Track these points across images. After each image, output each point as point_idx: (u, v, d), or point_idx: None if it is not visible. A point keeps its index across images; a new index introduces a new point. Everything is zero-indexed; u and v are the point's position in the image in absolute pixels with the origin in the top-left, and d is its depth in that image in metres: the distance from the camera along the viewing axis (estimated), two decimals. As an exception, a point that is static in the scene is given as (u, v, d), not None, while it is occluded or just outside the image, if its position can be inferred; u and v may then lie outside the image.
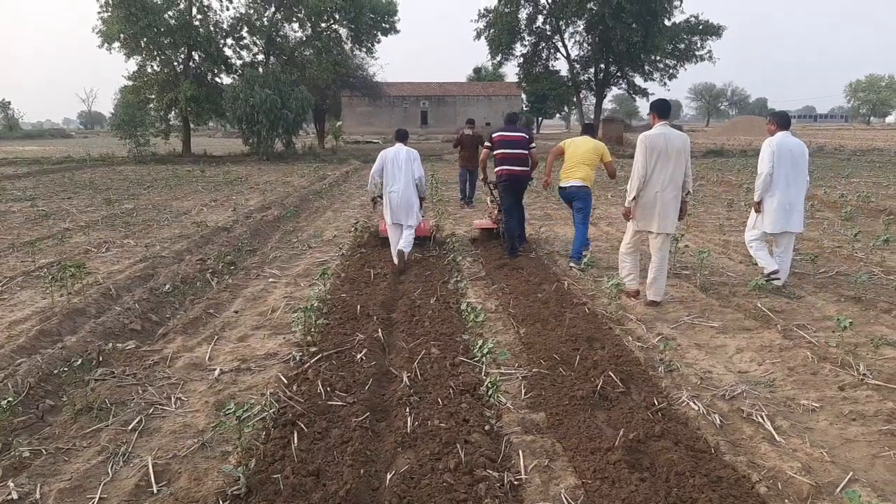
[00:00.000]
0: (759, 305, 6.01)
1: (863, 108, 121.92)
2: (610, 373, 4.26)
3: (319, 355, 4.75)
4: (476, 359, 4.55)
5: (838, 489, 3.10)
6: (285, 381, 4.33)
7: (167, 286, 6.71)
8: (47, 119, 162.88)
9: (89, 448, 3.58)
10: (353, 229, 9.82)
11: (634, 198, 6.11)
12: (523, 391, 4.22)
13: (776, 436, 3.61)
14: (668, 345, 4.80)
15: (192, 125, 33.85)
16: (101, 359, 4.81)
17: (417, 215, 8.02)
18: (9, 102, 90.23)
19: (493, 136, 8.47)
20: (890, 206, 12.12)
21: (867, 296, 6.32)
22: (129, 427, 3.81)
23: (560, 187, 8.09)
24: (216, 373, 4.58)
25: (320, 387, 4.15)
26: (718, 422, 3.76)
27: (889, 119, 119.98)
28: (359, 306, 5.91)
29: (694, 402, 3.98)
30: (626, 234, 6.51)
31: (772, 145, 6.63)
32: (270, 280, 7.35)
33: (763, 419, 3.79)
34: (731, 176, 19.39)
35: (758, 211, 6.86)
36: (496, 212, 9.05)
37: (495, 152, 8.33)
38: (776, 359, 4.81)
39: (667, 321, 5.75)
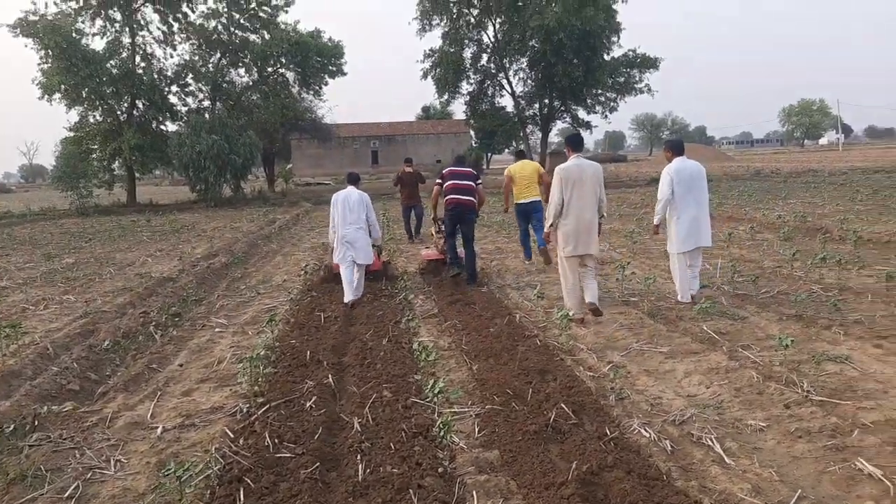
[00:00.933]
0: (706, 328, 6.13)
1: (797, 132, 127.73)
2: (562, 405, 4.25)
3: (267, 406, 4.62)
4: (429, 399, 4.50)
5: (788, 509, 3.13)
6: (231, 436, 4.18)
7: (107, 342, 6.48)
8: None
9: (21, 520, 3.38)
10: (302, 272, 9.69)
11: (552, 224, 6.72)
12: (477, 429, 4.18)
13: (726, 458, 3.64)
14: (618, 373, 4.83)
15: (137, 174, 33.24)
16: (36, 423, 4.57)
17: (370, 253, 8.37)
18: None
19: (444, 171, 9.18)
20: (826, 224, 12.60)
21: (807, 313, 6.51)
22: (66, 495, 3.62)
23: (518, 203, 9.87)
24: (158, 431, 4.41)
25: (268, 439, 4.02)
26: (669, 448, 3.78)
27: (822, 141, 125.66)
28: (308, 352, 5.80)
29: (645, 430, 4.00)
30: (561, 269, 6.91)
31: (669, 172, 7.09)
32: (217, 330, 7.17)
33: (713, 442, 3.82)
34: (676, 202, 19.88)
35: (656, 233, 7.52)
36: (442, 242, 9.47)
37: (445, 184, 8.89)
38: (723, 380, 4.89)
39: (616, 349, 5.80)
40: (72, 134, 31.27)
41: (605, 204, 6.74)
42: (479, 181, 9.06)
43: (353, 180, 8.69)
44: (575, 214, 6.54)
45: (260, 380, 5.07)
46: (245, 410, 4.62)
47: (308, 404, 4.61)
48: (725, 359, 5.31)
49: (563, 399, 4.38)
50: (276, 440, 4.03)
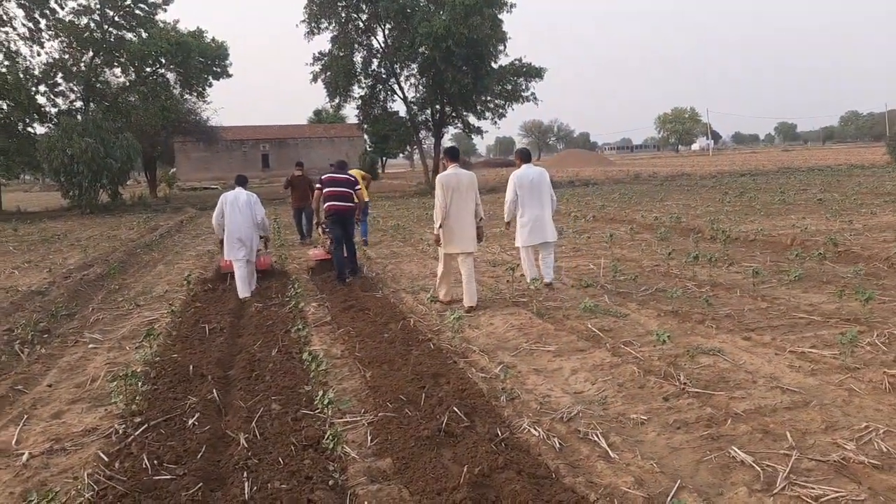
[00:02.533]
0: (590, 326, 6.37)
1: (671, 138, 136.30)
2: (454, 408, 4.27)
3: (145, 426, 4.34)
4: (319, 410, 4.39)
5: (668, 499, 3.28)
6: (105, 459, 3.89)
7: (-38, 364, 5.88)
8: None
9: None
10: (185, 282, 9.23)
11: (440, 226, 7.38)
12: (369, 438, 4.12)
13: (610, 452, 3.78)
14: (508, 373, 4.92)
15: (2, 180, 30.56)
16: None
17: (255, 250, 8.97)
18: None
19: (323, 177, 9.59)
20: (698, 225, 13.49)
21: (683, 309, 6.92)
22: None
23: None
24: (24, 457, 4.03)
25: (146, 461, 3.78)
26: (558, 445, 3.88)
27: (694, 146, 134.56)
28: (191, 366, 5.51)
29: (535, 429, 4.09)
30: (440, 262, 7.75)
31: (513, 177, 8.05)
32: (91, 346, 6.68)
33: (598, 437, 3.96)
34: (561, 205, 20.65)
35: (507, 229, 8.43)
36: (329, 243, 9.93)
37: (325, 190, 9.40)
38: (607, 376, 5.09)
39: (507, 349, 5.91)
40: (-80, 136, 28.33)
41: (481, 208, 7.58)
42: (358, 186, 9.74)
43: (242, 182, 9.25)
44: (454, 216, 7.34)
45: (137, 398, 4.76)
46: (121, 431, 4.32)
47: (190, 422, 4.38)
48: (609, 355, 5.54)
49: (456, 402, 4.41)
50: (156, 462, 3.79)
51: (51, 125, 29.77)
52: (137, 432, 4.25)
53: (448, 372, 5.17)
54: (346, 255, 9.52)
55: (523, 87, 37.99)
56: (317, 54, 36.89)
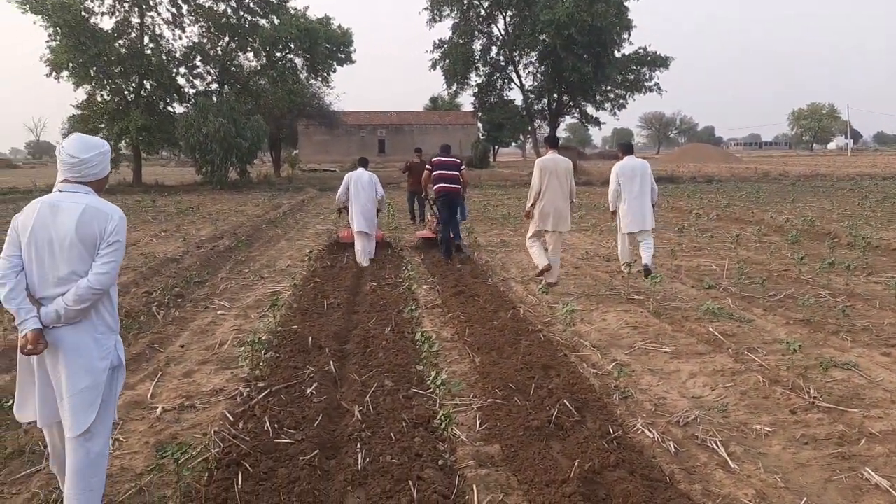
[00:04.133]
0: (712, 330, 6.07)
1: (805, 136, 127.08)
2: (565, 401, 4.20)
3: (268, 391, 4.58)
4: (430, 390, 4.46)
5: (792, 515, 3.08)
6: (231, 419, 4.15)
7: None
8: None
9: (19, 495, 3.36)
10: (306, 258, 9.65)
11: (533, 205, 8.10)
12: (478, 422, 4.14)
13: (730, 462, 3.59)
14: (622, 371, 4.77)
15: (143, 155, 33.19)
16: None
17: (375, 224, 10.14)
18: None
19: (433, 160, 10.32)
20: (834, 229, 12.52)
21: (815, 318, 6.45)
22: (62, 472, 3.58)
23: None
24: (158, 411, 4.37)
25: (267, 424, 3.99)
26: (673, 449, 3.73)
27: (830, 146, 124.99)
28: (310, 338, 5.76)
29: (649, 430, 3.95)
30: (530, 230, 8.36)
31: (616, 168, 8.53)
32: (219, 312, 7.13)
33: (717, 445, 3.77)
34: (682, 202, 19.82)
35: (613, 219, 8.96)
36: (435, 223, 10.82)
37: (434, 173, 10.10)
38: (728, 383, 4.84)
39: (621, 347, 5.75)
40: (79, 112, 31.15)
41: (574, 192, 8.24)
42: (463, 167, 10.41)
43: (364, 163, 10.66)
44: (550, 198, 8.01)
45: (261, 364, 5.04)
46: (245, 394, 4.59)
47: (309, 391, 4.57)
48: (731, 361, 5.26)
49: (566, 395, 4.33)
50: (276, 425, 3.99)
51: (188, 105, 31.91)
52: (260, 396, 4.49)
53: (558, 364, 5.10)
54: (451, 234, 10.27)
55: (647, 76, 36.72)
56: (437, 42, 37.36)
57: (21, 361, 2.96)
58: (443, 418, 3.75)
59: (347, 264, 9.83)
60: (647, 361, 5.37)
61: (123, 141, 31.38)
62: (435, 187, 10.12)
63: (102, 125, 30.74)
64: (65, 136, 32.46)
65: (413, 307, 6.78)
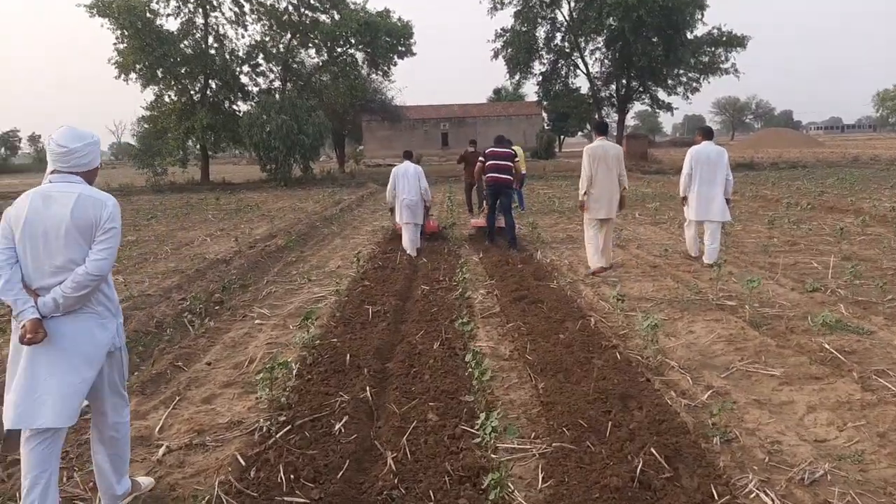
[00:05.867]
0: (827, 346, 5.01)
1: (892, 118, 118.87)
2: (652, 449, 3.32)
3: (290, 426, 3.86)
4: (482, 430, 3.64)
5: None
6: (242, 464, 3.45)
7: (137, 333, 5.91)
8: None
9: None
10: (355, 260, 8.97)
11: (585, 193, 7.92)
12: (541, 476, 3.30)
13: (887, 547, 2.64)
14: (723, 406, 3.81)
15: (210, 153, 33.60)
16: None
17: (422, 214, 10.17)
18: (39, 136, 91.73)
19: (486, 151, 10.49)
20: (950, 219, 10.97)
21: (954, 330, 5.29)
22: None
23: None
24: (160, 452, 3.72)
25: (282, 474, 3.27)
26: (803, 524, 2.81)
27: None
28: (349, 355, 5.04)
29: (766, 493, 3.03)
30: (586, 226, 8.17)
31: (691, 152, 8.31)
32: (257, 322, 6.51)
33: (863, 518, 2.82)
34: (766, 190, 18.25)
35: (683, 203, 8.64)
36: (487, 211, 10.74)
37: (487, 163, 10.27)
38: (859, 419, 3.83)
39: (715, 368, 4.78)
40: (148, 113, 31.77)
41: (625, 178, 8.04)
42: (517, 158, 10.59)
43: (408, 156, 10.59)
44: (600, 185, 7.86)
45: (287, 390, 4.35)
46: (265, 429, 3.89)
47: (338, 426, 3.83)
48: (858, 389, 4.23)
49: (653, 439, 3.44)
50: (292, 475, 3.27)
51: (252, 103, 32.04)
52: (280, 433, 3.78)
53: (640, 394, 4.19)
54: (503, 225, 10.39)
55: (722, 58, 34.62)
56: (499, 30, 36.38)
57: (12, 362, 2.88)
58: (493, 482, 2.93)
59: (400, 264, 9.11)
60: (750, 388, 4.39)
61: (190, 140, 31.83)
62: (486, 176, 10.35)
63: (171, 125, 31.22)
64: (133, 135, 33.32)
65: (466, 319, 5.96)
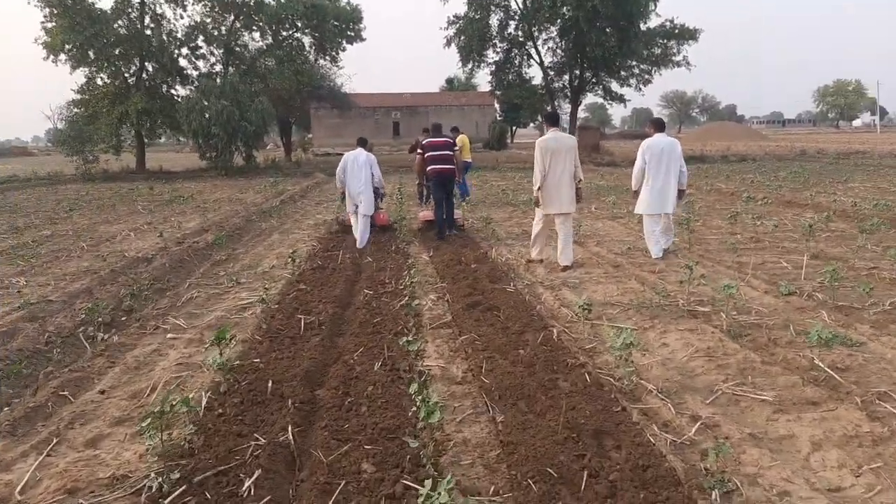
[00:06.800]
0: (818, 363, 4.44)
1: (831, 113, 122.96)
2: (641, 514, 2.64)
3: (184, 486, 3.05)
4: (428, 487, 2.90)
5: None
6: (114, 544, 2.63)
7: (22, 352, 4.96)
8: (16, 137, 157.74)
9: None
10: (290, 260, 8.07)
11: (539, 187, 7.66)
12: (503, 554, 2.58)
13: None
14: (720, 451, 3.15)
15: (146, 140, 31.82)
16: None
17: (372, 205, 9.68)
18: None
19: (424, 143, 10.36)
20: (910, 214, 10.74)
21: (948, 341, 4.80)
22: None
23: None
24: (11, 525, 2.87)
25: (162, 563, 2.47)
26: None
27: (856, 123, 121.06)
28: (271, 382, 4.23)
29: (788, 576, 2.38)
30: (535, 218, 8.04)
31: (644, 145, 8.11)
32: (169, 336, 5.60)
33: None
34: (721, 184, 18.02)
35: (635, 197, 8.39)
36: (435, 206, 10.29)
37: (427, 155, 10.04)
38: (874, 460, 3.24)
39: (698, 391, 4.15)
40: (78, 97, 29.80)
41: (580, 170, 7.76)
42: (456, 148, 10.45)
43: (362, 143, 9.98)
44: (554, 180, 7.60)
45: (190, 431, 3.52)
46: (154, 488, 3.06)
47: (248, 483, 3.04)
48: (864, 418, 3.65)
49: (639, 496, 2.77)
50: (177, 564, 2.47)
51: (191, 87, 30.43)
52: (171, 497, 2.96)
53: (616, 428, 3.52)
54: (445, 215, 10.07)
55: (674, 50, 34.52)
56: (451, 17, 35.43)
57: None
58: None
59: (342, 264, 8.29)
60: (740, 417, 3.77)
61: (124, 126, 30.04)
62: (429, 169, 10.04)
63: (103, 109, 29.36)
64: (63, 121, 31.36)
65: (413, 331, 5.20)
